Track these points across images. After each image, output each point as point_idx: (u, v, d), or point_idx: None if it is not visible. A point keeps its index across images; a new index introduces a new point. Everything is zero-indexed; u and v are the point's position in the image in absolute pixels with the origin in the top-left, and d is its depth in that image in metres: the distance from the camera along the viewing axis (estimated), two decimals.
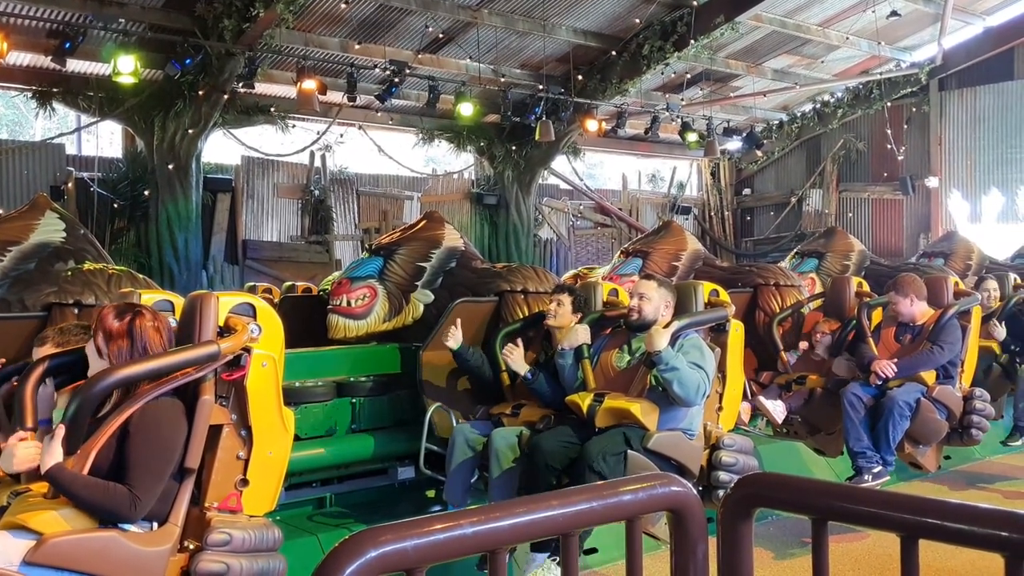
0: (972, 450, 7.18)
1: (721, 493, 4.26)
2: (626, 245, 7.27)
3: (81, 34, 10.44)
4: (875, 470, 5.35)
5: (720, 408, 4.61)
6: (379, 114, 14.49)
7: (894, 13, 14.81)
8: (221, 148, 14.30)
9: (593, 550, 4.65)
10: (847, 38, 15.98)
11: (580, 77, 14.76)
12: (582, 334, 4.50)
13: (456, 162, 16.96)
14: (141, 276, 4.68)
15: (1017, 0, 16.35)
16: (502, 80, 14.09)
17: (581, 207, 18.35)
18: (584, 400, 4.28)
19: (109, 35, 10.99)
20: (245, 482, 3.23)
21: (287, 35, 12.15)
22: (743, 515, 1.74)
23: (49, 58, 10.74)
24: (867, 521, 1.59)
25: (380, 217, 15.38)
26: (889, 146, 17.60)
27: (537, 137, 14.02)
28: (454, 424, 4.70)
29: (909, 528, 1.53)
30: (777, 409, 5.94)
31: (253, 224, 14.26)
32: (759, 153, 18.78)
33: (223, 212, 13.87)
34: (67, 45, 10.42)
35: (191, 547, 2.99)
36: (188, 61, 11.00)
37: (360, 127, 14.90)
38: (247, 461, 3.23)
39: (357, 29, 12.87)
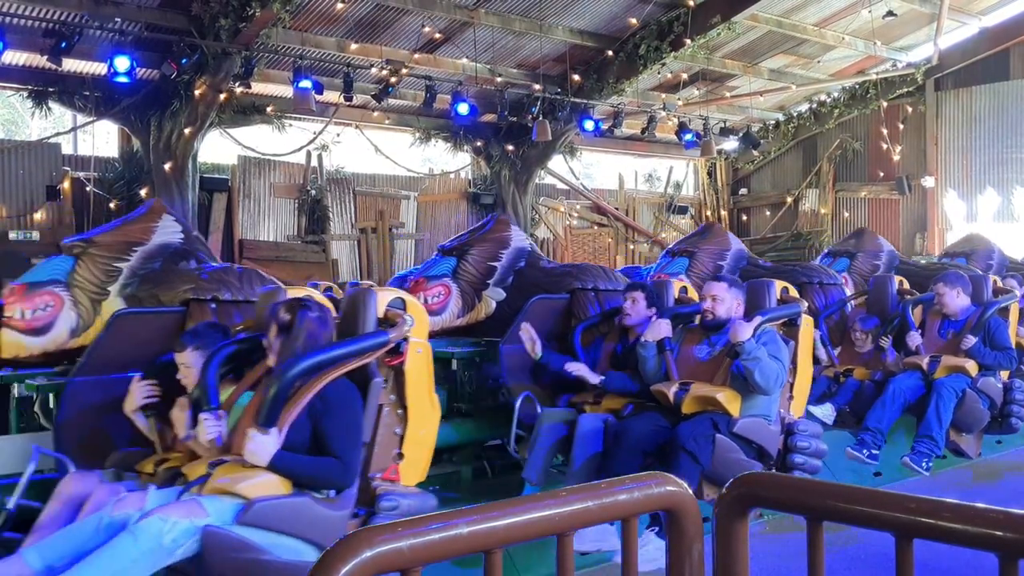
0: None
1: (796, 474, 4.71)
2: (671, 246, 7.57)
3: (77, 33, 10.42)
4: (869, 453, 5.80)
5: (791, 397, 5.04)
6: (376, 114, 14.48)
7: (890, 13, 14.82)
8: (217, 148, 14.28)
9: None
10: (843, 38, 16.00)
11: (577, 77, 14.76)
12: (664, 328, 4.86)
13: (453, 162, 16.97)
14: (266, 273, 5.09)
15: (1013, 0, 16.39)
16: (499, 80, 14.09)
17: (578, 207, 18.35)
18: (670, 389, 4.68)
19: (105, 34, 10.98)
20: (401, 456, 3.70)
21: (284, 35, 12.14)
22: (738, 515, 1.74)
23: (45, 57, 10.72)
24: (862, 520, 1.59)
25: (377, 217, 15.38)
26: (885, 146, 17.62)
27: (534, 137, 14.02)
28: (539, 410, 5.02)
29: (904, 527, 1.53)
30: (827, 413, 6.29)
31: (249, 224, 14.24)
32: (755, 153, 18.80)
33: (219, 212, 13.85)
34: (63, 44, 10.39)
35: (364, 512, 3.46)
36: (184, 61, 10.98)
37: (357, 127, 14.90)
38: (402, 437, 3.72)
39: (354, 29, 12.86)
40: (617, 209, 18.58)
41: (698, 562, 1.78)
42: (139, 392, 3.90)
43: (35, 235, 12.15)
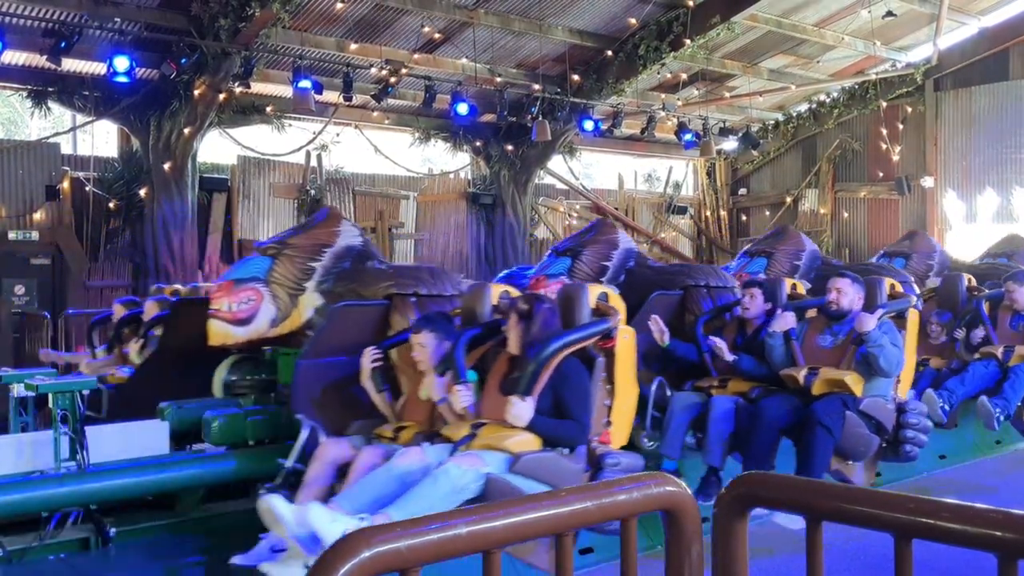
0: (967, 451, 7.21)
1: (908, 448, 5.36)
2: (748, 247, 8.13)
3: (77, 33, 10.42)
4: (942, 406, 6.46)
5: (898, 380, 5.58)
6: (375, 114, 14.48)
7: (890, 13, 14.82)
8: (217, 148, 14.28)
9: (589, 550, 4.66)
10: (843, 38, 16.00)
11: (576, 77, 14.76)
12: (790, 320, 5.47)
13: (452, 162, 16.96)
14: (460, 274, 5.99)
15: (1012, 1, 16.39)
16: (498, 80, 14.08)
17: (577, 207, 18.35)
18: (800, 373, 5.31)
19: (105, 34, 10.98)
20: (609, 423, 4.47)
21: (283, 35, 12.14)
22: (737, 515, 1.74)
23: (45, 57, 10.72)
24: (861, 520, 1.59)
25: (376, 217, 15.37)
26: (884, 146, 17.62)
27: (533, 137, 14.02)
28: (668, 393, 5.55)
29: (903, 527, 1.53)
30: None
31: (249, 224, 14.24)
32: (755, 153, 18.80)
33: (219, 212, 13.85)
34: (63, 44, 10.40)
35: (590, 468, 4.19)
36: (184, 60, 10.98)
37: (356, 127, 14.90)
38: (611, 407, 4.49)
39: (353, 29, 12.86)
40: (616, 209, 18.57)
41: (697, 562, 1.78)
42: (368, 359, 4.64)
43: (34, 235, 12.15)
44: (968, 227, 16.62)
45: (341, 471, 4.23)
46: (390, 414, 4.70)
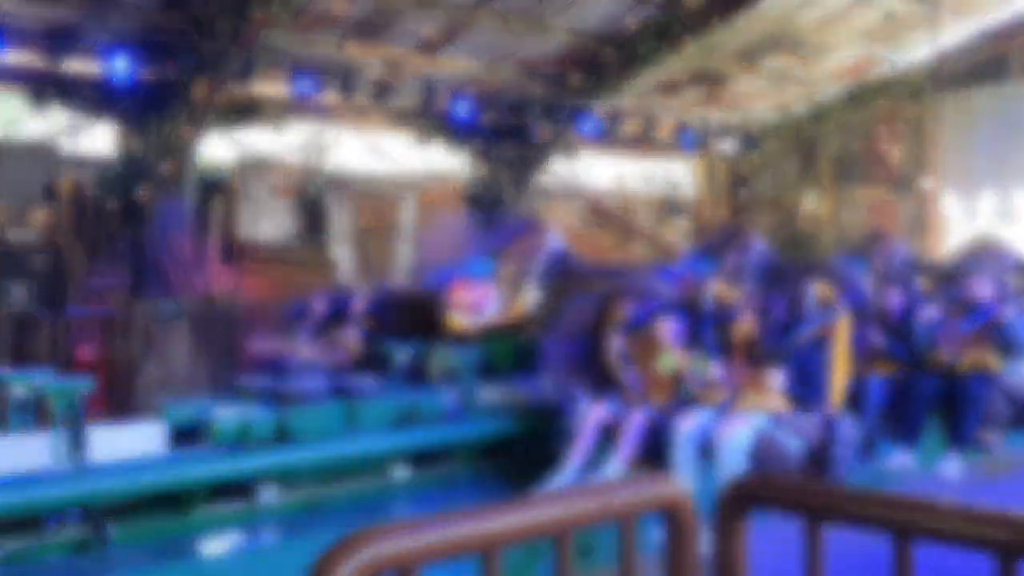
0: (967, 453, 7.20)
1: None
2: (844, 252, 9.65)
3: (76, 34, 10.42)
4: None
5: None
6: (375, 114, 14.47)
7: (890, 14, 14.82)
8: (217, 148, 14.27)
9: (589, 550, 4.66)
10: (843, 39, 16.00)
11: (576, 78, 14.76)
12: (933, 310, 6.81)
13: (452, 163, 16.93)
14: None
15: (1012, 2, 16.39)
16: (498, 81, 14.08)
17: (577, 208, 18.34)
18: (946, 353, 6.68)
19: (104, 35, 10.97)
20: (833, 390, 5.60)
21: (283, 35, 12.12)
22: (737, 515, 1.75)
23: (44, 57, 10.72)
24: (861, 521, 1.60)
25: (375, 217, 15.37)
26: (884, 147, 17.62)
27: (533, 138, 14.02)
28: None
29: (903, 528, 1.53)
30: None
31: (249, 224, 14.24)
32: (754, 154, 18.80)
33: (218, 212, 13.84)
34: (62, 45, 10.40)
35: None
36: (183, 61, 10.98)
37: (356, 127, 14.89)
38: (833, 377, 5.62)
39: (353, 29, 12.85)
40: (616, 210, 18.57)
41: (696, 563, 1.78)
42: (616, 341, 5.88)
43: (33, 235, 12.15)
44: (968, 228, 16.62)
45: (605, 432, 5.44)
46: (634, 386, 5.85)
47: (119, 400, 9.98)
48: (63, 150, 13.08)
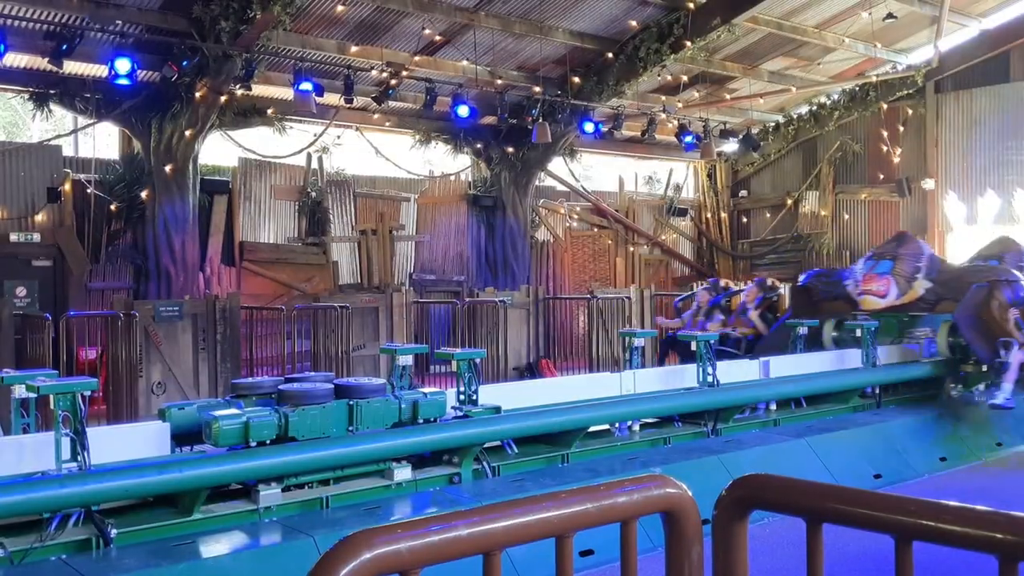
0: (969, 452, 7.20)
1: None
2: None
3: (78, 36, 10.43)
4: None
5: None
6: (376, 116, 14.49)
7: (890, 15, 14.83)
8: (218, 150, 14.29)
9: (589, 552, 4.65)
10: (843, 40, 16.01)
11: (577, 79, 14.77)
12: None
13: (453, 164, 16.96)
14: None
15: (1013, 2, 16.40)
16: (499, 82, 14.09)
17: (578, 209, 18.35)
18: None
19: (106, 37, 10.99)
20: None
21: (284, 37, 12.14)
22: (738, 516, 1.74)
23: (46, 60, 10.73)
24: (862, 523, 1.59)
25: (377, 219, 15.38)
26: (885, 148, 17.63)
27: (534, 139, 14.03)
28: None
29: (903, 529, 1.53)
30: None
31: (250, 226, 14.25)
32: (755, 155, 18.81)
33: (220, 214, 13.86)
34: (64, 47, 10.41)
35: None
36: (185, 63, 10.98)
37: (357, 129, 14.91)
38: None
39: (354, 31, 12.87)
40: (617, 211, 18.58)
41: (697, 564, 1.78)
42: None
43: (36, 237, 12.17)
44: (969, 229, 16.61)
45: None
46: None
47: (121, 400, 9.99)
48: (66, 152, 13.11)
